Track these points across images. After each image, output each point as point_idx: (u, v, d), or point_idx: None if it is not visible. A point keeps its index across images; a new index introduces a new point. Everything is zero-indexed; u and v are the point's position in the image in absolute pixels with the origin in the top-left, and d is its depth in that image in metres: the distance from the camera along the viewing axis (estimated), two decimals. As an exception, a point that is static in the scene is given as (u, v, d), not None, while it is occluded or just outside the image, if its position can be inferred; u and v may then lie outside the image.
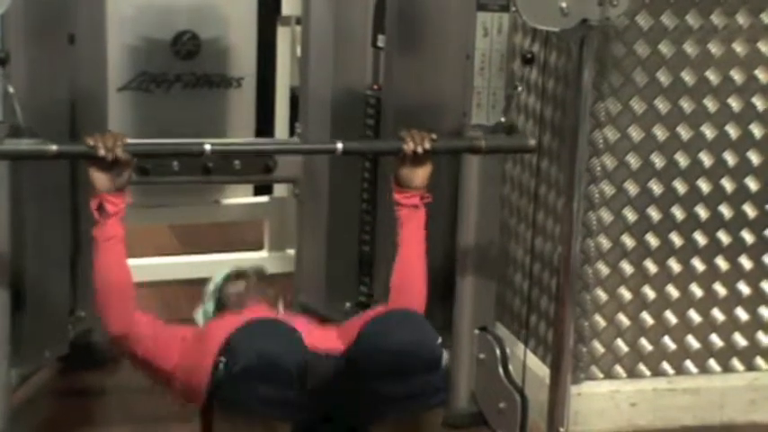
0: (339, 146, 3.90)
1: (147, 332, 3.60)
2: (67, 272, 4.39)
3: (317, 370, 3.36)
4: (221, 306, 3.94)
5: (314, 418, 3.37)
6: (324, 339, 3.53)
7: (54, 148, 3.71)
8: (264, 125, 4.73)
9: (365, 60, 4.42)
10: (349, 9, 4.41)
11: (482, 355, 4.32)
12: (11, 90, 3.70)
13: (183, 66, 4.41)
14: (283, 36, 4.88)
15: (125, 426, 4.25)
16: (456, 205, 4.28)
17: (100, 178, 3.54)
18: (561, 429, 4.07)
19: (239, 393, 3.23)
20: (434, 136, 3.79)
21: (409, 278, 3.80)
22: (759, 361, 4.48)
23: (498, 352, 4.27)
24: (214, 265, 4.87)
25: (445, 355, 3.43)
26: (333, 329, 3.70)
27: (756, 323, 4.46)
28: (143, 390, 3.90)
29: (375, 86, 4.42)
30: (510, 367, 4.26)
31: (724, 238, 4.37)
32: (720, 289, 4.41)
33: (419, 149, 3.73)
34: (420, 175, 3.79)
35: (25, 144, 3.75)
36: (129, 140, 3.64)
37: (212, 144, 3.88)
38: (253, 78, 4.53)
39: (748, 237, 4.40)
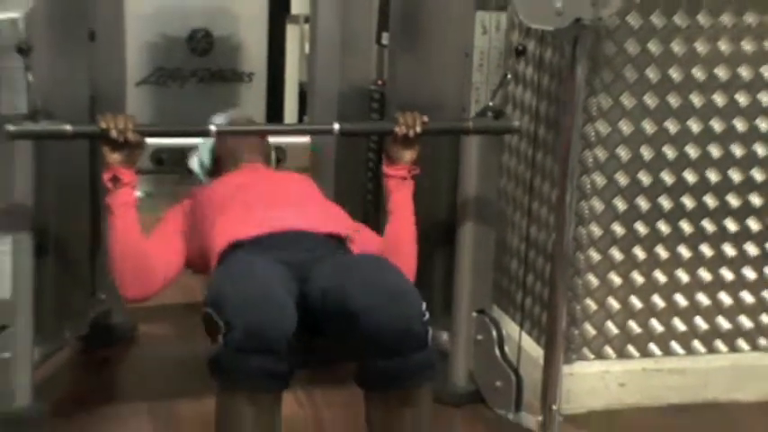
0: (336, 126, 3.98)
1: (163, 252, 3.80)
2: (88, 257, 4.49)
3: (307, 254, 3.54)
4: (216, 159, 4.14)
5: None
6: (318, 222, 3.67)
7: (69, 128, 3.80)
8: (274, 118, 4.78)
9: (370, 57, 4.48)
10: (355, 8, 4.47)
11: (480, 337, 4.40)
12: (30, 79, 3.76)
13: (197, 62, 4.47)
14: (292, 34, 4.94)
15: (141, 400, 4.28)
16: (455, 195, 4.35)
17: (112, 155, 3.67)
18: (554, 407, 4.13)
19: (233, 364, 3.22)
20: (426, 118, 3.88)
21: (401, 241, 3.93)
22: (741, 343, 4.54)
23: (495, 333, 4.37)
24: None
25: (431, 332, 3.50)
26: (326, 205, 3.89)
27: (738, 307, 4.53)
28: (158, 367, 3.97)
29: (379, 82, 4.47)
30: (506, 348, 4.35)
31: (708, 226, 4.44)
32: (705, 275, 4.47)
33: (410, 133, 3.84)
34: (409, 153, 3.91)
35: (43, 126, 3.82)
36: (137, 122, 3.72)
37: (217, 126, 4.00)
38: (263, 74, 4.58)
39: (731, 225, 4.46)
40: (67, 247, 4.34)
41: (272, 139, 4.62)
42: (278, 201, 3.73)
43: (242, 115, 4.24)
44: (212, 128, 3.95)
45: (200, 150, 4.16)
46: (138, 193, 3.80)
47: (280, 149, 4.69)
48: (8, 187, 4.00)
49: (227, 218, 3.60)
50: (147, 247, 3.75)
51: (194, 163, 4.15)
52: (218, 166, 4.10)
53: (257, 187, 3.85)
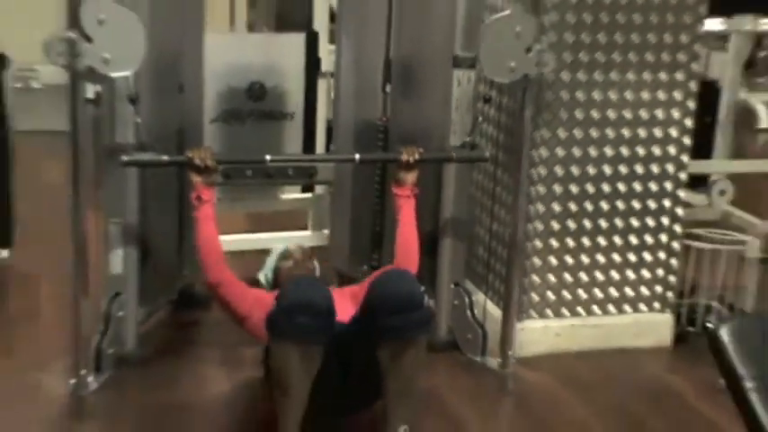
0: (357, 156, 4.07)
1: (233, 285, 3.74)
2: (176, 246, 4.52)
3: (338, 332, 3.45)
4: (276, 277, 4.12)
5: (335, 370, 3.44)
6: (343, 311, 3.55)
7: (165, 158, 3.92)
8: (309, 146, 4.74)
9: (377, 102, 4.43)
10: (365, 66, 4.45)
11: (456, 302, 4.44)
12: (138, 120, 3.85)
13: (253, 105, 4.45)
14: (322, 85, 4.93)
15: (216, 348, 4.36)
16: (439, 201, 4.35)
17: (196, 178, 3.74)
18: (509, 352, 4.25)
19: (285, 321, 3.28)
20: (421, 150, 3.96)
21: (408, 246, 3.96)
22: (641, 306, 4.58)
23: (467, 300, 4.42)
24: (274, 240, 4.98)
25: (429, 302, 3.61)
26: (352, 290, 3.85)
27: (639, 281, 4.55)
28: (226, 324, 3.89)
29: (384, 119, 4.43)
30: (475, 310, 4.41)
31: (618, 222, 4.46)
32: (616, 257, 4.50)
33: (411, 159, 3.92)
34: (411, 176, 3.97)
35: (147, 156, 3.90)
36: (216, 154, 3.82)
37: (271, 156, 4.03)
38: (301, 114, 4.55)
39: (635, 222, 4.49)
40: (162, 239, 4.37)
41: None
42: None
43: (298, 246, 4.29)
44: (267, 158, 4.00)
45: (266, 268, 4.19)
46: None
47: (312, 167, 4.74)
48: (121, 200, 4.08)
49: None
50: (222, 257, 3.78)
51: (261, 276, 4.19)
52: (276, 280, 4.12)
53: None
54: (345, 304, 3.64)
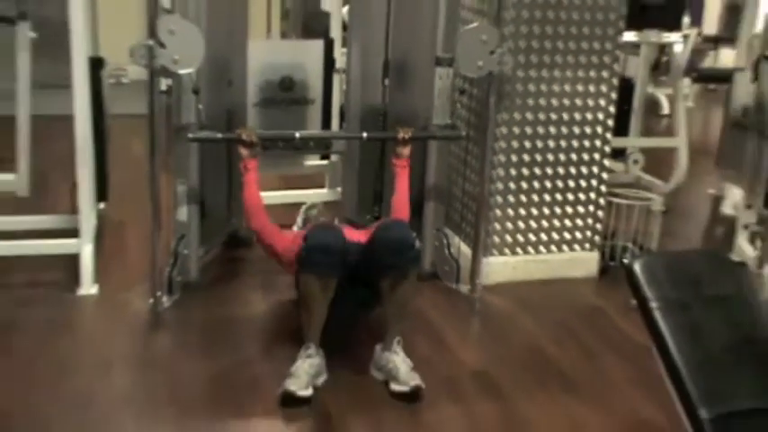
0: (365, 135, 4.07)
1: (271, 230, 3.76)
2: (226, 201, 4.51)
3: (351, 250, 3.50)
4: (305, 223, 4.07)
5: (345, 283, 3.46)
6: (356, 236, 3.63)
7: (220, 135, 3.96)
8: (326, 125, 4.68)
9: (378, 91, 4.40)
10: (370, 64, 4.41)
11: (437, 243, 4.43)
12: (200, 106, 3.85)
13: (284, 94, 4.38)
14: (336, 78, 4.88)
15: (256, 276, 4.35)
16: (425, 168, 4.32)
17: (244, 151, 3.76)
18: (477, 281, 4.22)
19: (309, 259, 3.36)
20: (413, 129, 3.98)
21: (401, 204, 3.91)
22: (576, 246, 4.55)
23: (446, 241, 4.40)
24: (300, 196, 5.02)
25: (418, 243, 3.61)
26: (361, 231, 3.76)
27: (574, 227, 4.52)
28: (265, 259, 3.93)
29: (383, 104, 4.40)
30: (451, 249, 4.39)
31: (559, 183, 4.43)
32: (557, 209, 4.47)
33: (405, 136, 3.91)
34: (406, 150, 3.94)
35: (205, 133, 3.91)
36: (257, 131, 3.86)
37: (300, 133, 4.04)
38: (320, 100, 4.47)
39: (571, 183, 4.45)
40: (215, 196, 4.36)
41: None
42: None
43: (318, 204, 4.27)
44: (297, 134, 4.01)
45: (299, 220, 4.14)
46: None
47: (330, 141, 4.80)
48: (185, 166, 4.08)
49: None
50: (263, 210, 3.78)
51: (295, 226, 4.11)
52: (305, 224, 4.05)
53: None
54: (358, 235, 3.67)
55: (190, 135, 3.91)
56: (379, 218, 4.41)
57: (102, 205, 4.86)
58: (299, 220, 4.15)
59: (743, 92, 4.81)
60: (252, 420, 3.20)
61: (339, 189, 5.11)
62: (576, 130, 4.41)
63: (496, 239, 4.43)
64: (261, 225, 3.77)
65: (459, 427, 3.22)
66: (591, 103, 4.40)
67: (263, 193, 3.85)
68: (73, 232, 4.20)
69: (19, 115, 4.55)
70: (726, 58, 8.99)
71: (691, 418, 2.08)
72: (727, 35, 8.77)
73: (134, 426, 3.14)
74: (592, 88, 4.38)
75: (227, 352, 3.66)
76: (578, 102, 4.38)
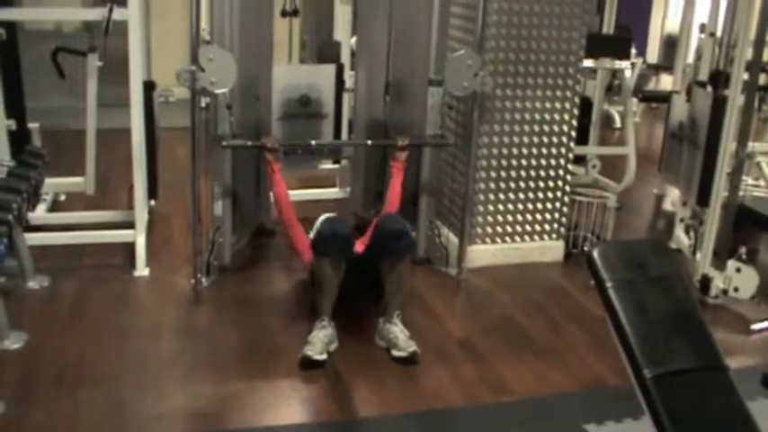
0: (369, 142, 4.16)
1: (297, 228, 3.73)
2: (254, 197, 4.47)
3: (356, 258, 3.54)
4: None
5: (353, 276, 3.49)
6: (359, 246, 3.63)
7: (249, 143, 3.96)
8: (337, 135, 4.60)
9: (380, 107, 4.38)
10: (374, 84, 4.39)
11: (429, 233, 4.40)
12: (232, 119, 3.85)
13: (303, 109, 4.29)
14: (345, 96, 4.83)
15: (279, 260, 4.33)
16: (419, 170, 4.29)
17: (269, 155, 3.76)
18: (463, 265, 4.20)
19: (322, 245, 3.38)
20: (409, 138, 3.98)
21: (393, 198, 3.90)
22: (545, 236, 4.52)
23: (437, 232, 4.39)
24: (316, 194, 5.06)
25: (413, 232, 3.59)
26: (361, 240, 3.74)
27: (543, 220, 4.49)
28: (285, 248, 3.96)
29: (385, 118, 4.38)
30: (441, 238, 4.37)
31: (531, 183, 4.40)
32: (530, 205, 4.44)
33: (403, 144, 3.92)
34: (403, 155, 3.94)
35: (238, 141, 3.92)
36: (279, 140, 3.86)
37: (315, 142, 4.09)
38: (332, 114, 4.40)
39: (541, 183, 4.42)
40: (246, 194, 4.32)
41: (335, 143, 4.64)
42: None
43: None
44: (313, 143, 4.06)
45: (314, 229, 4.08)
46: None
47: (340, 149, 4.69)
48: (221, 169, 4.04)
49: None
50: (291, 205, 3.76)
51: (311, 235, 4.07)
52: None
53: None
54: (360, 246, 3.65)
55: (224, 143, 3.90)
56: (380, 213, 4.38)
57: (152, 202, 4.85)
58: (317, 227, 4.12)
59: (679, 110, 4.81)
60: (276, 380, 3.20)
61: (348, 188, 5.07)
62: (545, 139, 4.39)
63: (479, 230, 4.41)
64: (288, 219, 3.73)
65: (447, 385, 3.22)
66: (557, 117, 4.37)
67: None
68: (129, 224, 4.20)
69: (87, 129, 4.57)
70: (665, 82, 9.00)
71: (637, 377, 2.08)
72: (666, 64, 8.79)
73: (179, 382, 3.16)
74: (557, 105, 4.35)
75: (255, 323, 3.66)
76: (546, 116, 4.35)
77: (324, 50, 6.53)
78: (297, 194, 4.89)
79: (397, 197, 3.94)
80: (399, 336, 3.39)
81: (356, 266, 3.54)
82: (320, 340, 3.31)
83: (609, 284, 2.21)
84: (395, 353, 3.37)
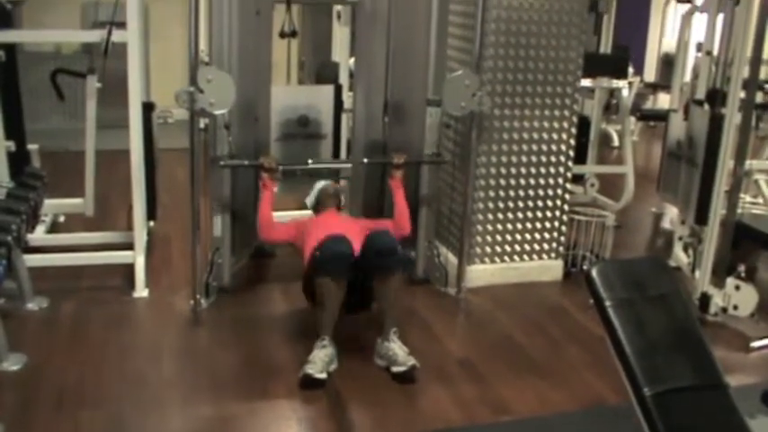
0: (365, 160, 4.16)
1: (279, 231, 3.80)
2: (253, 218, 4.27)
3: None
4: (318, 199, 4.06)
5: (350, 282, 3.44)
6: (356, 237, 3.56)
7: (247, 162, 3.97)
8: (336, 155, 4.62)
9: (379, 127, 4.35)
10: (372, 105, 4.35)
11: (428, 253, 4.41)
12: (230, 139, 3.87)
13: (301, 130, 4.32)
14: (344, 117, 4.83)
15: (278, 282, 4.31)
16: (418, 189, 4.30)
17: (265, 175, 3.79)
18: (462, 284, 4.22)
19: (323, 264, 3.37)
20: (406, 155, 4.02)
21: (402, 215, 3.92)
22: (543, 255, 4.52)
23: (436, 251, 4.39)
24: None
25: (400, 248, 3.52)
26: (362, 223, 3.84)
27: (542, 239, 4.49)
28: (287, 267, 3.97)
29: (384, 138, 4.35)
30: (440, 258, 4.38)
31: (530, 203, 4.40)
32: (528, 224, 4.44)
33: (400, 161, 3.95)
34: (399, 172, 3.98)
35: (235, 161, 3.93)
36: (277, 160, 3.86)
37: (312, 161, 4.14)
38: (331, 135, 4.43)
39: (540, 203, 4.42)
40: (244, 215, 4.30)
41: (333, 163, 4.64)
42: (338, 227, 3.66)
43: (330, 184, 4.18)
44: (310, 161, 4.09)
45: (312, 195, 4.12)
46: (276, 190, 3.88)
47: (338, 170, 4.67)
48: (220, 190, 4.05)
49: (317, 233, 3.58)
50: (273, 220, 3.80)
51: (308, 201, 4.13)
52: (317, 206, 4.05)
53: (330, 221, 3.83)
54: (359, 236, 3.59)
55: (222, 162, 3.92)
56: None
57: (152, 223, 4.85)
58: (312, 198, 4.12)
59: (677, 128, 4.82)
60: (275, 400, 3.20)
61: (347, 209, 5.04)
62: (543, 158, 4.40)
63: (478, 250, 4.41)
64: (268, 235, 3.81)
65: (447, 405, 3.21)
66: (555, 136, 4.39)
67: (282, 213, 3.96)
68: (129, 246, 4.20)
69: (86, 150, 4.57)
70: (662, 101, 9.03)
71: (636, 395, 2.09)
72: (663, 82, 8.83)
73: (179, 403, 3.15)
74: (555, 124, 4.37)
75: (254, 344, 3.65)
76: (545, 135, 4.37)
77: (322, 71, 6.57)
78: (295, 215, 4.86)
79: (406, 216, 3.96)
80: (398, 352, 3.40)
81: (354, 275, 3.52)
82: (321, 359, 3.31)
83: (608, 303, 2.22)
84: (394, 369, 3.37)
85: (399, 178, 3.98)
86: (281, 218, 4.01)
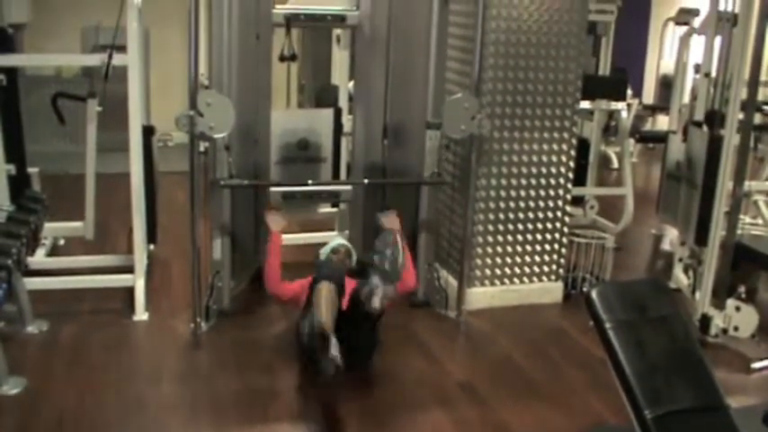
0: (366, 180, 4.19)
1: (284, 292, 3.77)
2: (253, 241, 4.44)
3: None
4: (327, 261, 3.97)
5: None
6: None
7: (246, 182, 4.01)
8: (336, 179, 4.64)
9: (378, 150, 4.37)
10: (372, 128, 4.38)
11: (429, 276, 4.39)
12: (230, 160, 3.88)
13: (301, 153, 4.33)
14: (344, 140, 4.85)
15: (276, 306, 4.20)
16: (417, 211, 4.34)
17: (272, 225, 3.89)
18: (462, 307, 4.22)
19: (321, 268, 3.47)
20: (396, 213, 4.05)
21: (406, 274, 3.84)
22: (543, 277, 4.51)
23: (436, 274, 4.38)
24: (315, 237, 4.98)
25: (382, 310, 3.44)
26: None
27: (542, 262, 4.49)
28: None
29: (383, 161, 4.36)
30: (440, 281, 4.37)
31: (529, 225, 4.40)
32: (528, 247, 4.45)
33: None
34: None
35: (234, 180, 3.93)
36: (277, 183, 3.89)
37: (312, 182, 4.17)
38: (331, 158, 4.44)
39: (539, 225, 4.43)
40: (244, 241, 4.32)
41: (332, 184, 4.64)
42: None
43: (344, 245, 4.11)
44: (309, 182, 4.10)
45: (325, 249, 4.04)
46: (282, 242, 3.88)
47: (338, 193, 4.62)
48: (220, 213, 4.06)
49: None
50: (279, 277, 3.77)
51: (322, 254, 4.02)
52: (322, 265, 3.88)
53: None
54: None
55: (222, 182, 3.93)
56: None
57: (152, 246, 4.85)
58: (324, 252, 4.05)
59: (676, 150, 4.84)
60: (276, 425, 3.19)
61: (347, 231, 5.07)
62: (543, 180, 4.41)
63: (478, 272, 4.41)
64: (274, 291, 3.77)
65: (448, 428, 3.21)
66: (554, 158, 4.40)
67: (285, 236, 3.91)
68: (129, 269, 4.21)
69: (87, 174, 4.58)
70: (661, 122, 9.07)
71: (638, 417, 2.09)
72: (662, 104, 8.87)
73: (179, 426, 3.15)
74: (555, 146, 4.38)
75: (255, 368, 3.65)
76: (544, 158, 4.38)
77: (322, 95, 6.60)
78: (296, 238, 4.92)
79: (411, 273, 3.91)
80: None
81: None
82: (333, 345, 3.19)
83: (608, 325, 2.23)
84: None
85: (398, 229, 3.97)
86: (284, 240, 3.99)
